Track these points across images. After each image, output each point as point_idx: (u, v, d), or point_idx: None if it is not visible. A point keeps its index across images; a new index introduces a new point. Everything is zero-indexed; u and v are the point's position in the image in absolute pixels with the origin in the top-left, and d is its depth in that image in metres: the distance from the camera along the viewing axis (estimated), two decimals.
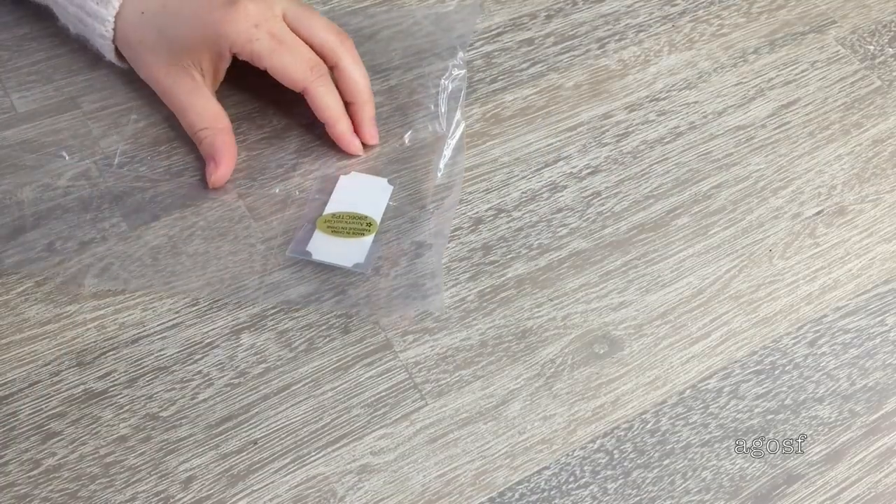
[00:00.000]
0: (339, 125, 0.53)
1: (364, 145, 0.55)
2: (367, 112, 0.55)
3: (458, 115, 0.56)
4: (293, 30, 0.52)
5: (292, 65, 0.51)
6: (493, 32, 0.63)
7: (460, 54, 0.58)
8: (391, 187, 0.53)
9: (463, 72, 0.57)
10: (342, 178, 0.54)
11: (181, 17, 0.51)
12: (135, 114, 0.55)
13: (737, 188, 0.57)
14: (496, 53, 0.62)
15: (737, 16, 0.66)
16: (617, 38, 0.63)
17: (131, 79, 0.56)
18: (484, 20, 0.63)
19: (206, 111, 0.53)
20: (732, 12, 0.66)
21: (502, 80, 0.60)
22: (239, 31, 0.50)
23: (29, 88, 0.56)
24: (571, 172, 0.56)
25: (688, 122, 0.60)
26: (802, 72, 0.63)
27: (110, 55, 0.54)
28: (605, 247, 0.54)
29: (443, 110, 0.56)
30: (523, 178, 0.56)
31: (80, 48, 0.57)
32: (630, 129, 0.59)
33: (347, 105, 0.54)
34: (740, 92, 0.62)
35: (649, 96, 0.61)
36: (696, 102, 0.61)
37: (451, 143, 0.55)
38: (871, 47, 0.65)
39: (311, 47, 0.52)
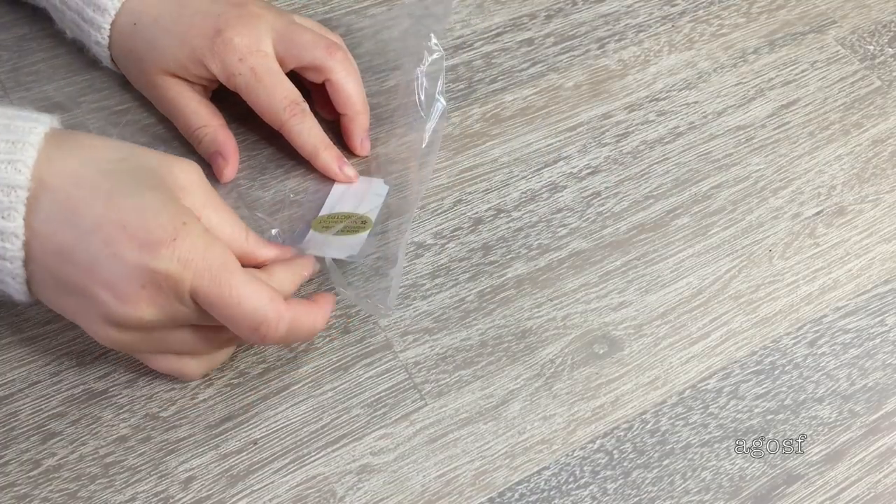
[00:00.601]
0: (319, 159, 0.53)
1: (356, 155, 0.55)
2: (358, 123, 0.54)
3: (436, 97, 0.55)
4: (281, 55, 0.52)
5: (267, 103, 0.51)
6: (493, 32, 0.63)
7: (433, 39, 0.56)
8: (387, 188, 0.53)
9: (438, 54, 0.56)
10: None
11: (171, 35, 0.51)
12: (133, 114, 0.55)
13: (737, 188, 0.57)
14: (496, 53, 0.62)
15: (737, 16, 0.66)
16: (617, 38, 0.63)
17: None
18: (484, 20, 0.63)
19: (200, 110, 0.53)
20: (732, 12, 0.66)
21: (502, 80, 0.60)
22: (224, 64, 0.50)
23: (29, 88, 0.56)
24: (571, 172, 0.56)
25: (687, 122, 0.60)
26: (802, 72, 0.63)
27: (106, 61, 0.54)
28: (605, 247, 0.54)
29: (423, 97, 0.56)
30: (523, 178, 0.56)
31: (79, 49, 0.57)
32: (630, 130, 0.59)
33: (340, 116, 0.54)
34: (740, 92, 0.62)
35: (649, 96, 0.61)
36: (695, 102, 0.61)
37: (431, 125, 0.55)
38: (871, 47, 0.65)
39: (303, 68, 0.52)
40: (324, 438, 0.46)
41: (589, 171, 0.57)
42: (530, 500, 0.45)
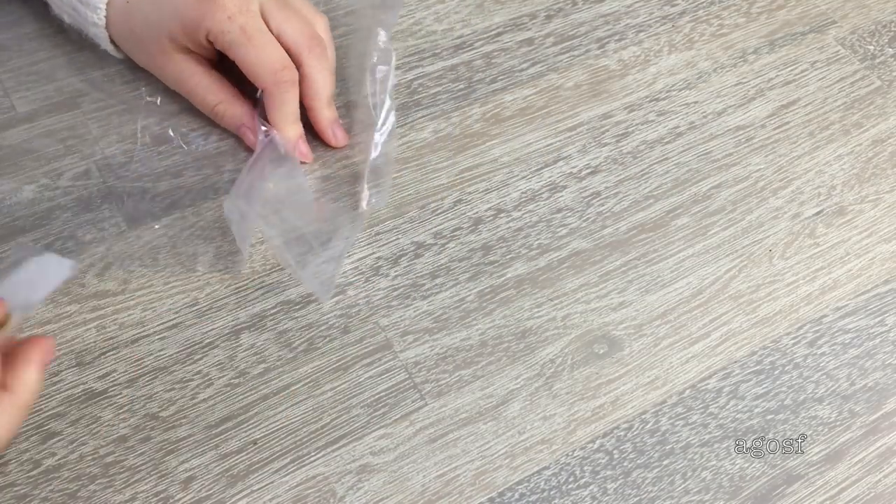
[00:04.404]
0: (284, 133, 0.53)
1: (333, 147, 0.55)
2: (323, 116, 0.54)
3: (387, 102, 0.53)
4: (266, 20, 0.51)
5: (255, 63, 0.51)
6: (493, 32, 0.63)
7: (381, 35, 0.54)
8: (70, 263, 0.44)
9: (387, 48, 0.54)
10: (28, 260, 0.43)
11: (164, 7, 0.51)
12: (134, 113, 0.55)
13: (736, 188, 0.57)
14: (496, 53, 0.62)
15: (737, 16, 0.66)
16: (617, 38, 0.63)
17: (131, 78, 0.56)
18: (484, 20, 0.63)
19: (212, 85, 0.53)
20: (732, 12, 0.66)
21: (502, 80, 0.60)
22: (214, 22, 0.50)
23: (29, 88, 0.56)
24: (571, 172, 0.56)
25: (688, 122, 0.60)
26: (802, 72, 0.63)
27: (105, 43, 0.54)
28: (605, 247, 0.54)
29: (373, 102, 0.54)
30: (523, 178, 0.56)
31: (79, 48, 0.57)
32: (630, 129, 0.59)
33: (308, 109, 0.54)
34: (740, 92, 0.62)
35: (649, 96, 0.61)
36: (695, 102, 0.61)
37: (382, 136, 0.53)
38: (871, 47, 0.65)
39: (282, 42, 0.52)
40: (324, 438, 0.46)
41: (589, 171, 0.57)
42: (530, 499, 0.45)
